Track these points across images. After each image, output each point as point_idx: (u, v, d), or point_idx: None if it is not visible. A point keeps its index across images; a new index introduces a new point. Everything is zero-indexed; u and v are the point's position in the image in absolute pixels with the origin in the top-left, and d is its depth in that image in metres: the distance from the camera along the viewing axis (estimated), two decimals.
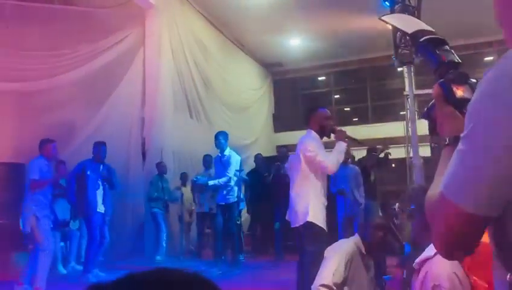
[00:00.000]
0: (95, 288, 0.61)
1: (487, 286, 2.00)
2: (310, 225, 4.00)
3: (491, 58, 12.79)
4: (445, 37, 1.10)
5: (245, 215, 9.36)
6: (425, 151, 9.95)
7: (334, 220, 7.08)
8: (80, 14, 8.35)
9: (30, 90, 7.72)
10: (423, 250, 2.36)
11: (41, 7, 7.91)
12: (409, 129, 10.08)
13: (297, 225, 4.09)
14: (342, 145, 4.17)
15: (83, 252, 7.25)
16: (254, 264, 8.09)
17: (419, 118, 9.37)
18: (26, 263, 5.68)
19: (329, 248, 3.37)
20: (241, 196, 7.67)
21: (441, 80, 1.01)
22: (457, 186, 0.80)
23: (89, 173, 6.42)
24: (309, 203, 4.03)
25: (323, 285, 3.06)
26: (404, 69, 10.31)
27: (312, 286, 3.17)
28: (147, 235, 8.47)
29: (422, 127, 8.44)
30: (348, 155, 7.29)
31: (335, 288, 3.07)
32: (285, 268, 6.36)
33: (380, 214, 7.03)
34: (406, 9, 8.64)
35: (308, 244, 3.99)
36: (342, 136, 4.20)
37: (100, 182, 6.49)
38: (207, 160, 8.45)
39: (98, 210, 6.39)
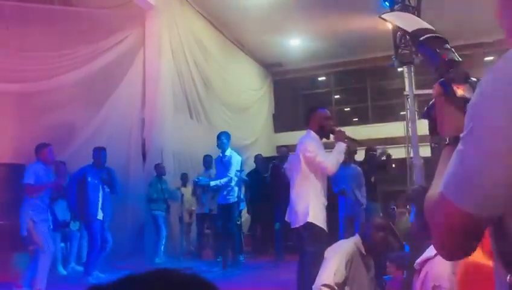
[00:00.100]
0: (95, 289, 0.61)
1: None
2: (310, 226, 4.00)
3: (491, 58, 12.79)
4: (445, 37, 1.10)
5: (245, 216, 9.36)
6: (425, 151, 9.95)
7: (335, 220, 7.07)
8: (80, 15, 8.35)
9: (30, 91, 7.72)
10: (423, 250, 2.36)
11: (41, 8, 7.91)
12: (409, 129, 10.08)
13: (297, 226, 4.09)
14: (341, 146, 4.17)
15: (83, 252, 7.26)
16: (254, 264, 8.09)
17: (419, 118, 9.38)
18: (26, 265, 5.68)
19: (329, 249, 3.37)
20: (242, 196, 7.67)
21: (442, 79, 1.01)
22: (457, 187, 0.80)
23: (89, 179, 6.41)
24: (309, 204, 4.03)
25: (325, 285, 3.06)
26: (404, 69, 10.32)
27: (313, 286, 3.17)
28: (147, 236, 8.46)
29: (423, 127, 8.45)
30: (349, 155, 7.29)
31: (336, 288, 3.07)
32: (286, 268, 6.36)
33: (381, 214, 7.04)
34: (406, 9, 8.64)
35: (308, 245, 3.99)
36: (342, 137, 4.20)
37: (100, 187, 6.48)
38: (207, 160, 8.45)
39: (97, 217, 6.38)
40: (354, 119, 15.62)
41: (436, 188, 0.86)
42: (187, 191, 8.87)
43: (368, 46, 13.07)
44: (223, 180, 7.03)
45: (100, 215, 6.40)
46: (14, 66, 7.50)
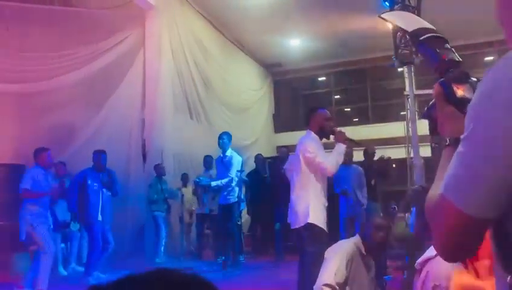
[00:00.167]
0: (95, 289, 0.61)
1: None
2: (310, 226, 4.00)
3: (491, 58, 12.79)
4: (445, 36, 1.10)
5: (245, 217, 9.36)
6: (425, 151, 9.94)
7: (336, 220, 7.08)
8: (80, 15, 8.35)
9: (30, 92, 7.73)
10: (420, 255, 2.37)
11: (41, 8, 7.92)
12: (410, 129, 10.07)
13: (297, 226, 4.08)
14: (341, 147, 4.16)
15: (84, 253, 7.26)
16: (254, 264, 8.09)
17: (419, 118, 9.37)
18: (26, 265, 5.69)
19: (329, 249, 3.37)
20: (242, 197, 7.68)
21: (442, 79, 1.00)
22: (457, 188, 0.80)
23: (89, 182, 6.41)
24: (309, 204, 4.03)
25: (326, 285, 3.07)
26: (405, 69, 10.30)
27: (314, 286, 3.17)
28: (147, 236, 8.46)
29: (423, 127, 8.44)
30: (349, 156, 7.29)
31: (338, 288, 3.07)
32: (286, 269, 6.36)
33: (381, 214, 7.04)
34: (406, 9, 8.62)
35: (308, 245, 3.99)
36: (342, 138, 4.19)
37: (101, 191, 6.48)
38: (207, 161, 8.46)
39: (98, 219, 6.38)
40: (354, 120, 15.63)
41: (437, 189, 0.86)
42: (187, 191, 8.87)
43: (368, 46, 13.07)
44: (224, 181, 7.03)
45: (100, 217, 6.40)
46: (14, 67, 7.50)
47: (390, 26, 9.11)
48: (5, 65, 7.39)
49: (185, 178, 9.01)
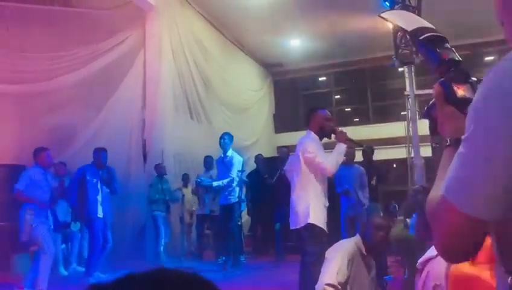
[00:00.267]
0: (94, 288, 0.61)
1: None
2: (311, 227, 3.99)
3: (492, 58, 12.79)
4: (446, 37, 1.10)
5: (245, 217, 9.35)
6: (426, 151, 9.94)
7: (337, 220, 7.08)
8: (80, 16, 8.35)
9: (30, 92, 7.73)
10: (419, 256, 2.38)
11: (41, 9, 7.92)
12: (410, 129, 10.07)
13: (298, 227, 4.08)
14: (341, 147, 4.15)
15: (84, 253, 7.26)
16: (255, 265, 8.09)
17: (420, 118, 9.37)
18: (27, 266, 5.69)
19: (330, 249, 3.37)
20: (242, 197, 7.68)
21: (442, 78, 1.00)
22: (458, 189, 0.80)
23: (88, 177, 6.41)
24: (310, 205, 4.02)
25: (329, 284, 3.07)
26: (405, 69, 10.30)
27: (316, 286, 3.16)
28: (148, 237, 8.46)
29: (423, 127, 8.44)
30: (351, 156, 7.29)
31: (340, 287, 3.07)
32: (286, 269, 6.36)
33: (381, 214, 7.03)
34: (406, 9, 8.60)
35: (309, 246, 3.99)
36: (343, 138, 4.19)
37: (99, 185, 6.48)
38: (208, 161, 8.46)
39: (98, 215, 6.38)
40: (355, 120, 15.62)
41: (438, 190, 0.86)
42: (188, 191, 8.87)
43: (368, 46, 13.07)
44: (225, 181, 7.04)
45: (100, 213, 6.40)
46: (15, 67, 7.51)
47: (390, 26, 9.11)
48: (5, 65, 7.40)
49: (185, 178, 9.02)
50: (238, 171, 7.10)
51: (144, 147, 8.99)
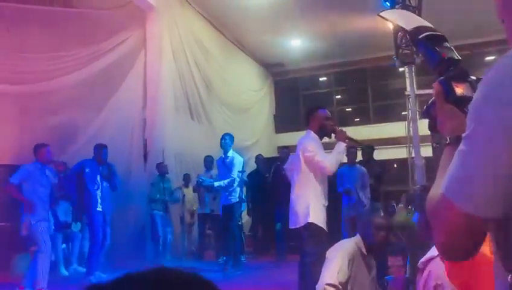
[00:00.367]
0: (93, 288, 0.61)
1: None
2: (310, 226, 3.99)
3: (492, 58, 12.78)
4: (446, 37, 1.10)
5: (245, 217, 9.36)
6: (426, 151, 9.94)
7: (338, 220, 7.08)
8: (80, 16, 8.35)
9: (31, 93, 7.73)
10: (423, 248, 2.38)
11: (41, 9, 7.91)
12: (411, 129, 10.08)
13: (297, 226, 4.08)
14: (341, 146, 4.15)
15: (85, 254, 7.26)
16: (256, 265, 8.10)
17: (420, 118, 9.37)
18: (27, 266, 5.69)
19: (331, 249, 3.37)
20: (243, 197, 7.69)
21: (441, 77, 1.00)
22: (458, 187, 0.80)
23: (87, 170, 6.42)
24: (309, 204, 4.02)
25: (329, 284, 3.06)
26: (406, 69, 10.31)
27: (317, 286, 3.16)
28: (148, 236, 8.47)
29: (424, 127, 8.41)
30: (353, 156, 7.30)
31: (340, 287, 3.07)
32: (287, 269, 6.36)
33: (382, 213, 7.03)
34: (406, 9, 8.62)
35: (309, 245, 3.98)
36: (343, 137, 4.19)
37: (99, 181, 6.48)
38: (208, 161, 8.46)
39: (97, 209, 6.38)
40: (356, 120, 15.62)
41: (438, 188, 0.86)
42: (188, 191, 8.87)
43: (368, 46, 13.07)
44: (226, 181, 7.05)
45: (100, 207, 6.39)
46: (15, 68, 7.50)
47: (391, 26, 9.11)
48: (5, 66, 7.39)
49: (186, 178, 9.02)
50: (239, 171, 7.12)
51: (145, 147, 9.00)
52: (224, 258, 7.54)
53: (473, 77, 0.99)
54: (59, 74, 7.98)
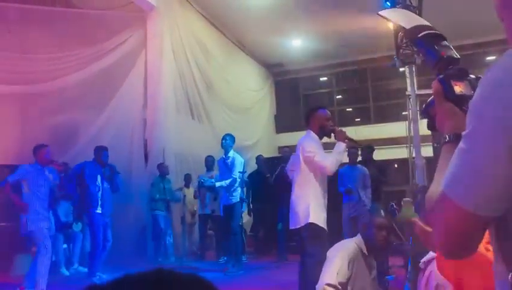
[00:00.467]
0: (93, 288, 0.61)
1: None
2: (311, 226, 3.99)
3: (493, 57, 12.77)
4: (447, 37, 1.10)
5: (246, 217, 9.35)
6: (427, 151, 9.94)
7: (339, 220, 7.08)
8: (81, 16, 8.36)
9: (32, 93, 7.74)
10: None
11: (43, 10, 7.92)
12: (411, 129, 10.08)
13: (298, 227, 4.07)
14: (341, 146, 4.14)
15: (86, 254, 7.26)
16: (257, 265, 8.10)
17: (421, 118, 9.37)
18: (28, 266, 5.69)
19: (331, 249, 3.36)
20: (244, 197, 7.69)
21: (440, 76, 1.00)
22: (458, 186, 0.80)
23: (88, 171, 6.41)
24: (310, 204, 4.01)
25: (329, 284, 3.06)
26: (406, 69, 10.31)
27: (317, 286, 3.16)
28: (149, 237, 8.47)
29: (424, 127, 8.41)
30: (354, 156, 7.30)
31: (340, 287, 3.07)
32: (288, 269, 6.36)
33: (382, 213, 7.03)
34: (407, 9, 8.62)
35: (310, 246, 3.98)
36: (342, 137, 4.18)
37: (100, 183, 6.48)
38: (209, 161, 8.46)
39: (97, 211, 6.38)
40: (356, 120, 15.61)
41: (437, 185, 0.86)
42: (189, 192, 8.87)
43: (369, 46, 13.07)
44: (227, 181, 7.05)
45: (99, 209, 6.39)
46: (17, 68, 7.52)
47: (391, 26, 9.11)
48: (8, 66, 7.41)
49: (187, 178, 9.02)
50: (240, 172, 7.12)
51: (145, 147, 9.00)
52: (225, 258, 7.55)
53: (472, 76, 0.99)
54: (60, 74, 8.00)
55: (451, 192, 0.80)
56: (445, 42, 1.07)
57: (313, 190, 4.07)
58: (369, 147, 7.78)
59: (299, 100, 15.85)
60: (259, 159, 9.66)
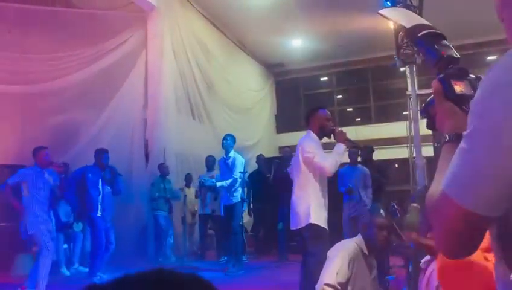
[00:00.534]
0: (93, 288, 0.61)
1: None
2: (312, 227, 3.99)
3: (493, 57, 12.76)
4: (447, 36, 1.10)
5: (246, 217, 9.35)
6: (428, 151, 9.93)
7: (339, 220, 7.08)
8: (82, 17, 8.36)
9: (32, 93, 7.74)
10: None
11: (43, 10, 7.93)
12: (412, 129, 10.07)
13: (299, 227, 4.07)
14: (340, 147, 4.14)
15: (87, 254, 7.26)
16: (257, 264, 8.10)
17: (421, 118, 9.36)
18: (29, 266, 5.69)
19: (332, 248, 3.36)
20: (244, 197, 7.69)
21: (440, 75, 1.00)
22: (458, 185, 0.80)
23: (89, 175, 6.41)
24: (310, 205, 4.01)
25: (328, 284, 3.06)
26: (407, 69, 10.30)
27: (316, 286, 3.16)
28: (149, 237, 8.47)
29: (425, 127, 8.42)
30: (355, 156, 7.30)
31: (339, 287, 3.07)
32: (288, 269, 6.36)
33: (383, 213, 7.02)
34: (408, 9, 8.62)
35: (311, 246, 3.98)
36: (342, 138, 4.18)
37: (101, 188, 6.47)
38: (210, 161, 8.46)
39: (97, 215, 6.38)
40: (357, 120, 15.60)
41: (437, 185, 0.86)
42: (190, 191, 8.87)
43: (370, 46, 13.06)
44: (228, 181, 7.06)
45: (100, 213, 6.39)
46: (17, 68, 7.52)
47: (392, 26, 9.11)
48: (8, 66, 7.41)
49: (188, 178, 9.02)
50: (240, 172, 7.13)
51: (146, 147, 9.00)
52: (226, 258, 7.55)
53: (472, 75, 0.99)
54: (60, 74, 8.00)
55: (452, 191, 0.80)
56: (446, 41, 1.07)
57: (313, 190, 4.07)
58: (368, 147, 7.78)
59: (300, 100, 15.85)
60: (259, 159, 9.66)
